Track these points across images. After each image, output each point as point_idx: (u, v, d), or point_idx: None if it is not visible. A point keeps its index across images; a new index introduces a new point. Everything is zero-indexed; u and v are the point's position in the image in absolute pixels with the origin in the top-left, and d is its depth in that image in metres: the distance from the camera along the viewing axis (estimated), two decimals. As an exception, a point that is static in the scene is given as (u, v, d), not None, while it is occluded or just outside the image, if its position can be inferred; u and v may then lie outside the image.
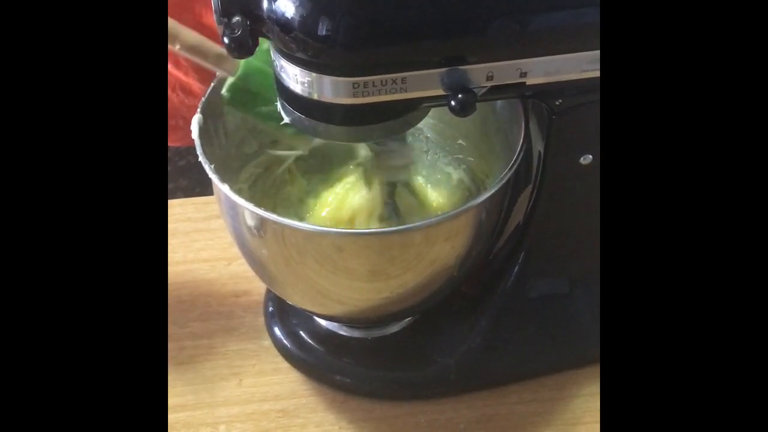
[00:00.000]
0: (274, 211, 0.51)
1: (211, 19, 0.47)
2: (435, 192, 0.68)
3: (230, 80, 0.56)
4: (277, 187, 0.67)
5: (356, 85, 0.46)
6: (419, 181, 0.68)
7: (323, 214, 0.64)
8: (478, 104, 0.47)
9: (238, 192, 0.52)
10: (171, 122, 0.99)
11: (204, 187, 0.88)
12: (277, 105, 0.52)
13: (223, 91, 0.57)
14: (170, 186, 1.05)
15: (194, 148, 0.55)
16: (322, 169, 0.67)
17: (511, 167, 0.53)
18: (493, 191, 0.53)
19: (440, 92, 0.47)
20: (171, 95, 0.96)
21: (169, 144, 1.02)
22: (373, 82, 0.46)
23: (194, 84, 0.97)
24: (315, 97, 0.47)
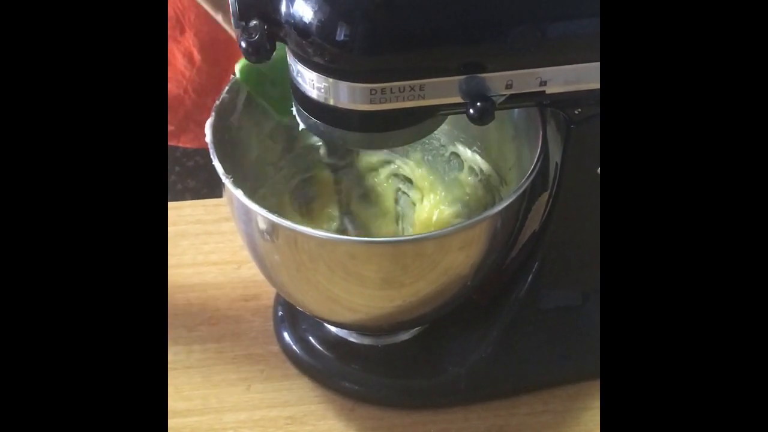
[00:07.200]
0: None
1: None
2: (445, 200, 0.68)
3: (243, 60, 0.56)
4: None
5: (373, 92, 0.45)
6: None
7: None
8: (495, 111, 0.46)
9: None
10: (182, 124, 0.98)
11: (212, 189, 0.87)
12: (284, 90, 0.51)
13: (237, 66, 0.56)
14: (178, 187, 1.04)
15: (203, 150, 0.54)
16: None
17: (528, 177, 0.53)
18: (509, 201, 0.52)
19: (458, 100, 0.47)
20: (183, 96, 0.96)
21: (180, 145, 1.01)
22: (391, 89, 0.45)
23: (207, 83, 0.96)
24: (331, 102, 0.47)
